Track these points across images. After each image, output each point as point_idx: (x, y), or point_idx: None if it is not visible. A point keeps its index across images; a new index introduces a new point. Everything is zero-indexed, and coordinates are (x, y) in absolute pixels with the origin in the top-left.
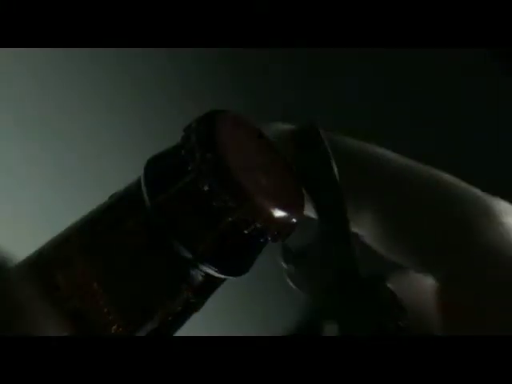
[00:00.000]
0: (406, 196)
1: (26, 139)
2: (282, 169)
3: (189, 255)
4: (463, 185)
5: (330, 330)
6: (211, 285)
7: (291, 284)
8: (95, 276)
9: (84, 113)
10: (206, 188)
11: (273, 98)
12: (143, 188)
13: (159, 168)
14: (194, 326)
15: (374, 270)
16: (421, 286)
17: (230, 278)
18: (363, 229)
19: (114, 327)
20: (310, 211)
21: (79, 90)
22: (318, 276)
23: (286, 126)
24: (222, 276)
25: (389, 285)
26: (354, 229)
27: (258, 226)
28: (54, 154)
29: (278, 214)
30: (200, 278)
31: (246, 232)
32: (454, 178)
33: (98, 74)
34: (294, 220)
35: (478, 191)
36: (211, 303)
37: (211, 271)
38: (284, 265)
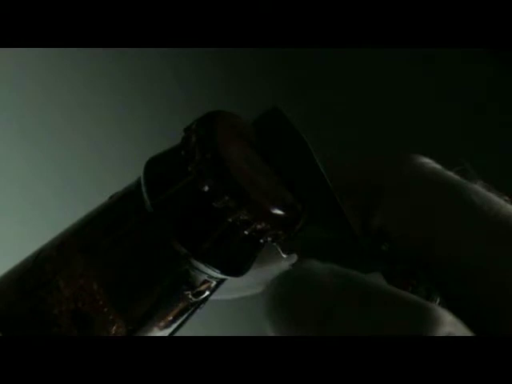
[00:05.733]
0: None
1: (25, 140)
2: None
3: (189, 255)
4: None
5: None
6: (211, 285)
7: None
8: (95, 276)
9: (84, 113)
10: (205, 188)
11: (271, 99)
12: (143, 188)
13: (159, 168)
14: (194, 326)
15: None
16: None
17: (230, 277)
18: None
19: (114, 327)
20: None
21: (79, 91)
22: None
23: None
24: (222, 276)
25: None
26: None
27: (258, 226)
28: (54, 155)
29: (278, 214)
30: (200, 278)
31: (246, 232)
32: None
33: (98, 74)
34: (294, 220)
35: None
36: (211, 303)
37: (211, 271)
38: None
